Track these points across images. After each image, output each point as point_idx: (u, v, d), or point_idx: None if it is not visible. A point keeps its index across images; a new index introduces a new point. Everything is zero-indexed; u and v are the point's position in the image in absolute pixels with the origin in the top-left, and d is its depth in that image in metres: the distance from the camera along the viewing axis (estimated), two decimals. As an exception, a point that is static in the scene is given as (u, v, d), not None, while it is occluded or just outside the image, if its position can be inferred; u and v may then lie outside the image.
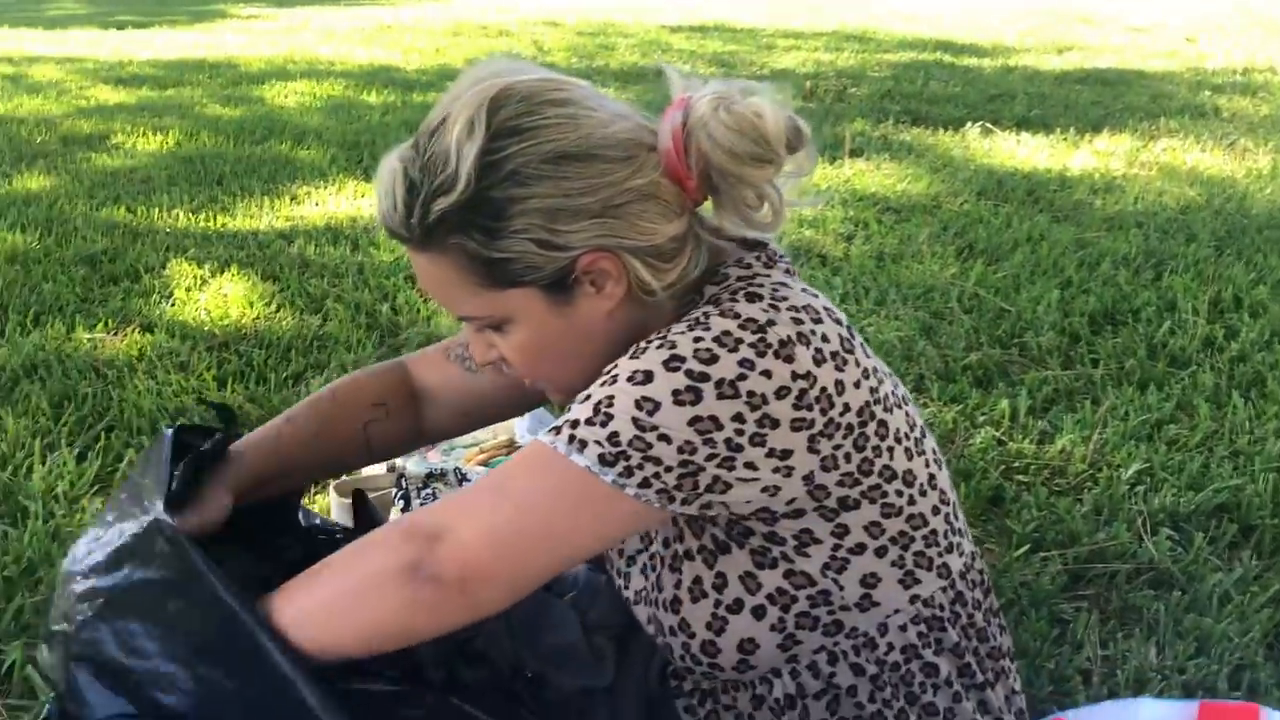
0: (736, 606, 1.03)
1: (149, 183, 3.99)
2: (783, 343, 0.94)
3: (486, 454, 1.78)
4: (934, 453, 1.09)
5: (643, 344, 0.95)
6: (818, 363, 0.95)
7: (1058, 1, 10.70)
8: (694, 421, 0.91)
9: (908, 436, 1.04)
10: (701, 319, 0.95)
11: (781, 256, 1.06)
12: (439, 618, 0.92)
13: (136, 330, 2.62)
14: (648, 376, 0.91)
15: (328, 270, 3.03)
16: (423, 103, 5.59)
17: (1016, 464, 2.03)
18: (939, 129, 4.88)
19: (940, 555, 1.07)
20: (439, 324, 2.65)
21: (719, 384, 0.91)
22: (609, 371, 0.95)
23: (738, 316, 0.94)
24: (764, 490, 0.95)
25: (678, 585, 1.05)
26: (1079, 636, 1.58)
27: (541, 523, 0.92)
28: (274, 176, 4.08)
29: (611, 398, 0.92)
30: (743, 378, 0.92)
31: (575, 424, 0.92)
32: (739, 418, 0.91)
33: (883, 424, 1.00)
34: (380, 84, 6.14)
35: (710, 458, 0.92)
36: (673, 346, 0.92)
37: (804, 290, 1.01)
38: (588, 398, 0.94)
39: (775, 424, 0.93)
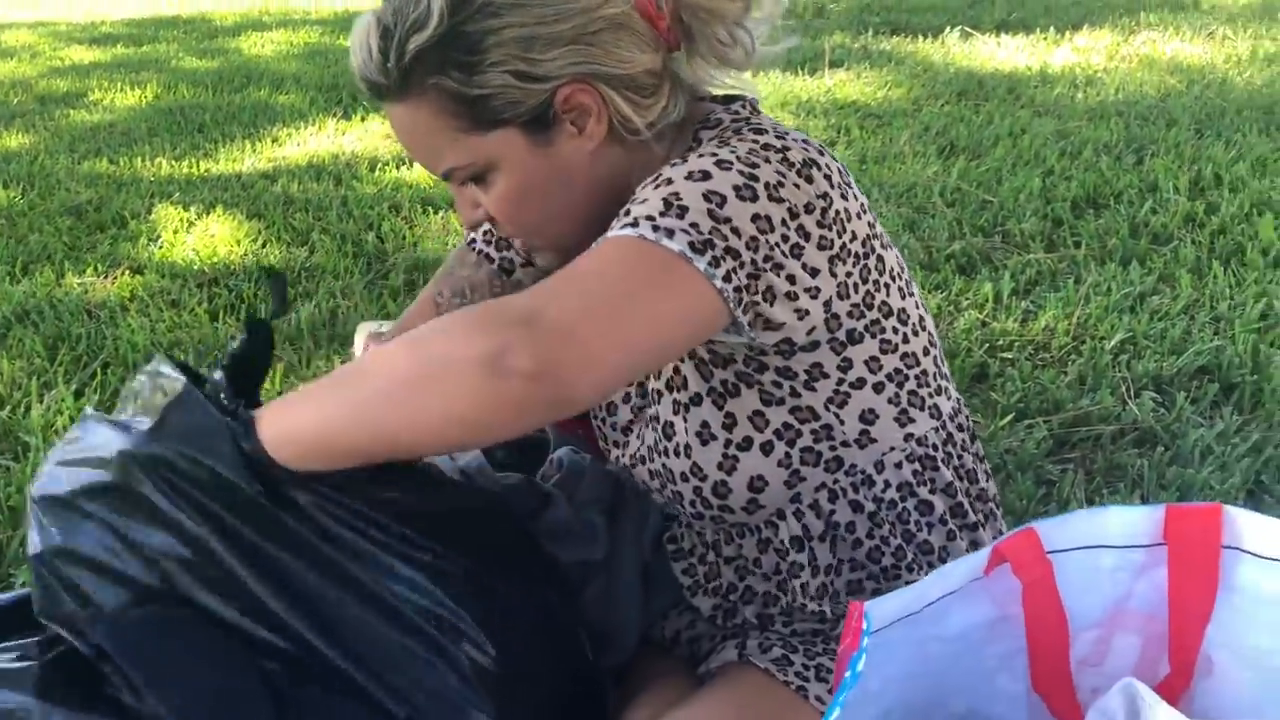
0: (745, 444, 1.05)
1: (129, 135, 3.98)
2: (804, 164, 0.95)
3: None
4: (919, 299, 1.12)
5: (676, 160, 0.95)
6: (830, 186, 0.96)
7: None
8: (755, 219, 0.90)
9: (899, 276, 1.07)
10: (719, 144, 0.96)
11: (759, 110, 1.08)
12: (524, 414, 0.80)
13: (126, 273, 2.64)
14: (705, 175, 0.90)
15: (312, 205, 3.03)
16: (399, 44, 5.55)
17: (1000, 342, 2.05)
18: (918, 36, 4.85)
19: (931, 396, 1.10)
20: (425, 249, 2.66)
21: (768, 186, 0.91)
22: (657, 177, 0.92)
23: (756, 141, 0.95)
24: (795, 312, 0.95)
25: (686, 430, 1.07)
26: (1065, 495, 1.62)
27: (642, 306, 0.85)
28: (254, 121, 4.07)
29: (677, 193, 0.89)
30: (781, 185, 0.92)
31: (650, 217, 0.87)
32: (784, 223, 0.92)
33: (880, 259, 1.03)
34: (355, 29, 6.09)
35: (766, 259, 0.91)
36: (714, 155, 0.92)
37: (796, 131, 1.04)
38: (645, 200, 0.89)
39: (807, 237, 0.94)
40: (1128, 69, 4.08)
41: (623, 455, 1.18)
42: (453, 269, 1.35)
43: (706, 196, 0.89)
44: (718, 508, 1.09)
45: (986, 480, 1.19)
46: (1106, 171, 2.89)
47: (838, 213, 0.96)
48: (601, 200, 1.02)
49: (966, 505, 1.13)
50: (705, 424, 1.05)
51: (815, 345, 1.00)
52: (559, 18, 0.94)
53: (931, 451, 1.10)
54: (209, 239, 2.82)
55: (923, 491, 1.10)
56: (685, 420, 1.07)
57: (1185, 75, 3.91)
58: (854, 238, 0.98)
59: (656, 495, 1.15)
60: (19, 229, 2.96)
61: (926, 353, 1.09)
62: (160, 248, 2.79)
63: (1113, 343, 2.01)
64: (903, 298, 1.06)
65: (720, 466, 1.06)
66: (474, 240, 1.32)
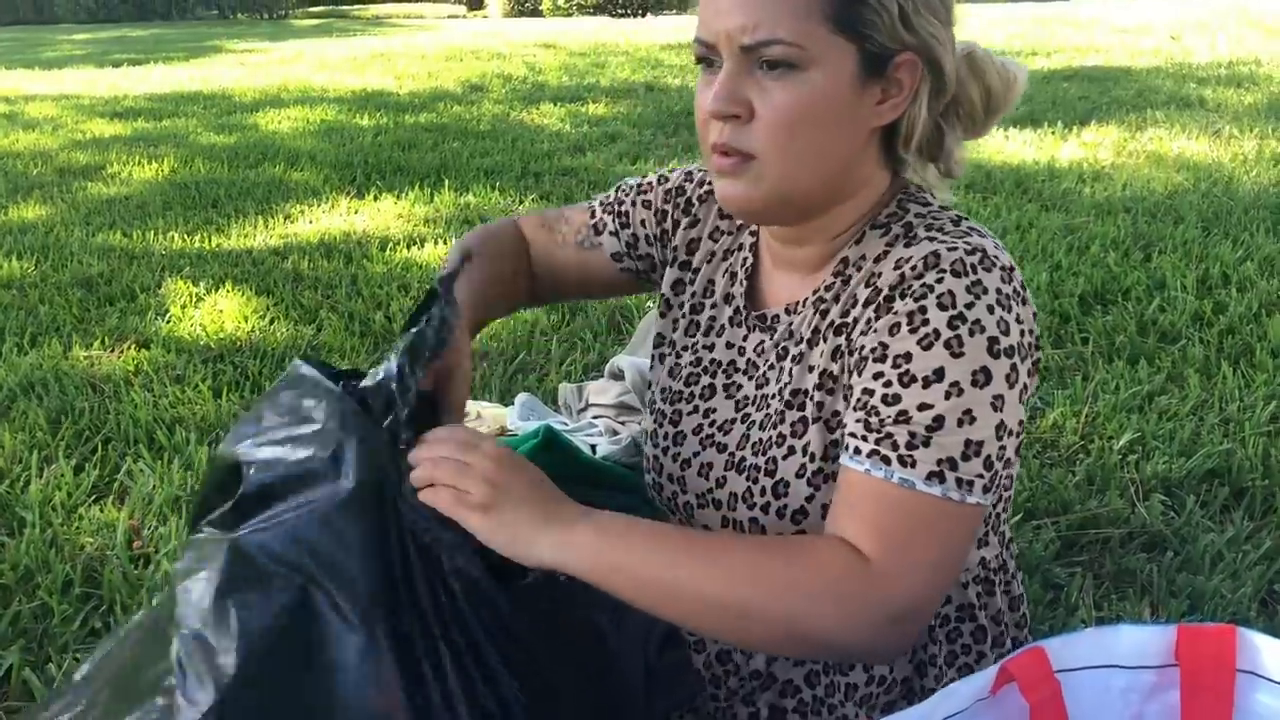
0: None
1: (144, 208, 4.02)
2: (1022, 285, 0.98)
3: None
4: None
5: (930, 304, 0.93)
6: (1030, 298, 1.01)
7: (1043, 8, 10.76)
8: (1020, 395, 0.95)
9: None
10: (962, 269, 0.94)
11: None
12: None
13: (133, 347, 2.64)
14: (986, 375, 0.92)
15: (321, 283, 3.05)
16: (415, 124, 5.63)
17: (1008, 439, 2.03)
18: (927, 128, 4.91)
19: (1002, 522, 1.11)
20: (432, 329, 2.66)
21: (1019, 351, 0.95)
22: (936, 373, 0.92)
23: (995, 264, 0.95)
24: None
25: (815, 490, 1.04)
26: (1073, 600, 1.59)
27: (957, 551, 0.95)
28: (268, 198, 4.11)
29: (970, 412, 0.92)
30: (1022, 334, 0.96)
31: (954, 464, 0.92)
32: (1030, 374, 0.97)
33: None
34: (373, 108, 6.19)
35: (1020, 423, 0.97)
36: (981, 327, 0.92)
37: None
38: (941, 420, 0.92)
39: (1034, 371, 0.99)
40: (1135, 165, 4.11)
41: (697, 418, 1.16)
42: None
43: (994, 404, 0.93)
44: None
45: (1024, 605, 1.17)
46: (1114, 268, 2.89)
47: (1036, 333, 1.01)
48: (837, 180, 1.01)
49: (1005, 633, 1.12)
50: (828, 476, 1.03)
51: None
52: (947, 5, 0.99)
53: (992, 575, 1.10)
54: (217, 314, 2.83)
55: (981, 616, 1.10)
56: (819, 491, 1.03)
57: (1192, 173, 3.94)
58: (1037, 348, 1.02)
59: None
60: (30, 300, 2.98)
61: (1012, 478, 1.09)
62: (168, 322, 2.80)
63: (1121, 442, 1.99)
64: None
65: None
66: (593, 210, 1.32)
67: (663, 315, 1.23)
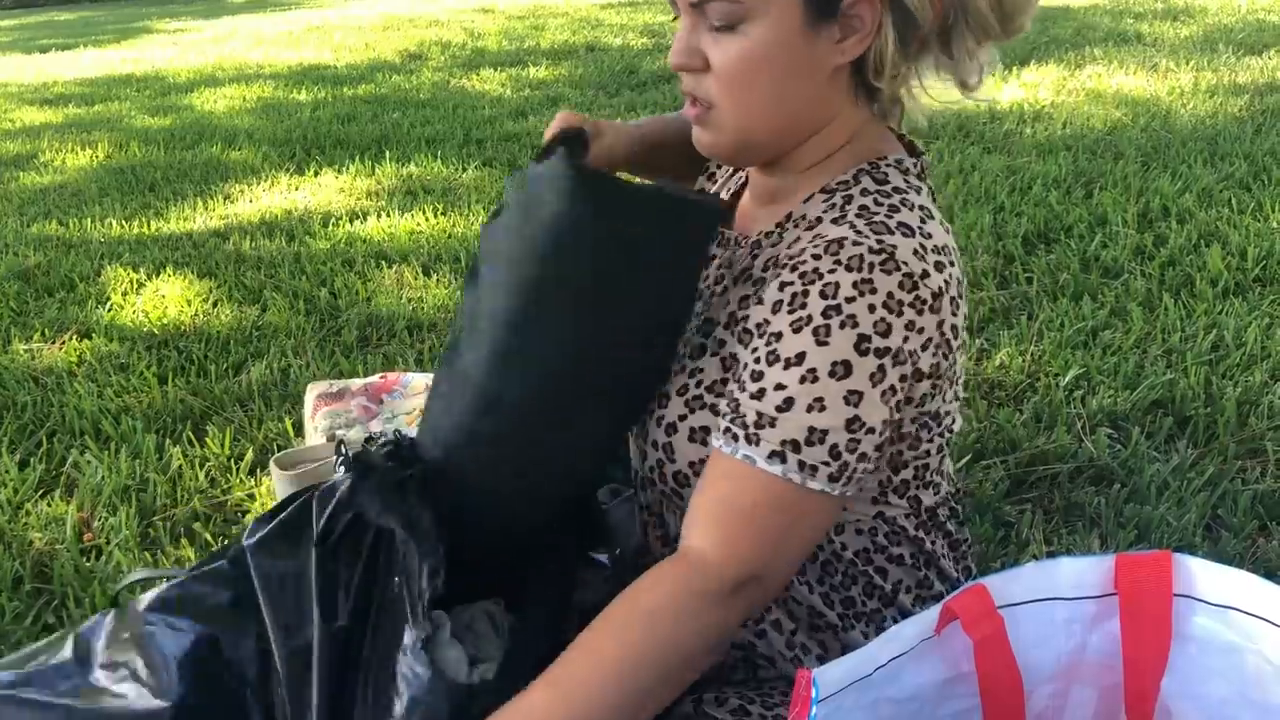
0: None
1: (80, 196, 3.94)
2: (934, 294, 0.94)
3: (428, 417, 1.77)
4: (959, 393, 1.11)
5: (813, 290, 0.94)
6: (953, 311, 0.97)
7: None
8: (883, 395, 0.93)
9: (955, 383, 1.07)
10: (857, 265, 0.93)
11: (929, 174, 1.09)
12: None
13: (74, 337, 2.60)
14: (846, 368, 0.92)
15: (264, 262, 3.01)
16: (353, 96, 5.55)
17: (956, 381, 2.05)
18: (869, 76, 4.90)
19: (914, 489, 1.10)
20: (378, 304, 2.64)
21: (895, 355, 0.93)
22: (798, 357, 0.93)
23: (898, 268, 0.93)
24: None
25: (680, 419, 1.06)
26: (1024, 535, 1.61)
27: (803, 533, 0.97)
28: (206, 179, 4.04)
29: (821, 400, 0.92)
30: (906, 340, 0.93)
31: (796, 447, 0.93)
32: (904, 378, 0.94)
33: (952, 367, 1.03)
34: (311, 82, 6.08)
35: (885, 422, 0.95)
36: (854, 323, 0.92)
37: (940, 223, 1.02)
38: (790, 402, 0.93)
39: (920, 377, 0.96)
40: (1074, 103, 4.13)
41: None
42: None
43: (847, 398, 0.92)
44: (670, 491, 1.09)
45: (961, 575, 1.17)
46: (1056, 206, 2.91)
47: (950, 338, 0.97)
48: (801, 120, 1.01)
49: (933, 579, 1.13)
50: (704, 429, 1.04)
51: None
52: None
53: (897, 531, 1.10)
54: (159, 300, 2.78)
55: (880, 560, 1.10)
56: (691, 411, 1.05)
57: (1131, 108, 3.97)
58: (950, 351, 0.99)
59: (633, 441, 1.17)
60: (-36, 296, 2.91)
61: (940, 450, 1.09)
62: (109, 310, 2.75)
63: (1067, 379, 2.01)
64: (945, 401, 1.06)
65: (692, 466, 1.05)
66: None
67: None
